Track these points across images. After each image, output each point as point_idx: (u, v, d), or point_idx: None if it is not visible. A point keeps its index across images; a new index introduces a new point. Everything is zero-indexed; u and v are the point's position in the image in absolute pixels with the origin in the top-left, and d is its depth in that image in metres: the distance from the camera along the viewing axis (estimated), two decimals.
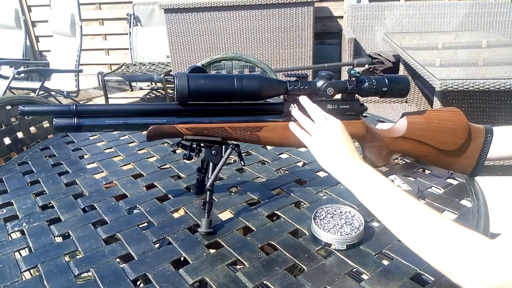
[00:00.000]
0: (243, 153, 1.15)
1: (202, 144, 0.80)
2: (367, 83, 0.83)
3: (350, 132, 0.85)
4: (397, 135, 0.89)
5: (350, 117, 0.85)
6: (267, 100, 0.84)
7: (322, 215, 0.79)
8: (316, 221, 0.77)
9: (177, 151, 1.17)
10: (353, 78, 0.82)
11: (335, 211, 0.80)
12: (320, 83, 0.80)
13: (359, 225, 0.76)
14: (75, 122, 0.73)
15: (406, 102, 2.75)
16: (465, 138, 0.89)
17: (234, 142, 0.81)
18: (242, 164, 0.82)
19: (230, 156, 0.80)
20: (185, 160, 1.08)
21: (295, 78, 0.80)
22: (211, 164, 0.80)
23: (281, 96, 0.83)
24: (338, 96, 0.85)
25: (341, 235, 0.73)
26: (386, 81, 0.84)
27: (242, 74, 0.77)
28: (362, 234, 0.74)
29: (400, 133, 0.89)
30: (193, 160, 0.90)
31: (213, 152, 0.79)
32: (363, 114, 0.88)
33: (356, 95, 0.85)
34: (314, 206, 0.84)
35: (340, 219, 0.77)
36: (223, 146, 0.80)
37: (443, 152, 0.90)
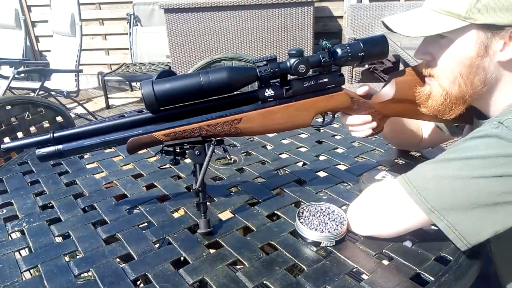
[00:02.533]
0: (243, 153, 1.15)
1: (185, 146, 0.78)
2: (340, 52, 0.78)
3: (334, 105, 0.82)
4: (387, 99, 0.84)
5: (331, 90, 0.82)
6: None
7: (305, 215, 0.78)
8: (301, 221, 0.76)
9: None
10: (325, 49, 0.79)
11: (315, 209, 0.80)
12: (290, 62, 0.77)
13: (342, 220, 0.76)
14: (56, 149, 0.74)
15: None
16: None
17: (217, 138, 0.80)
18: (228, 158, 0.81)
19: (229, 156, 0.80)
20: (185, 160, 1.08)
21: (264, 62, 0.77)
22: (197, 165, 0.79)
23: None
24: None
25: (329, 232, 0.73)
26: (361, 44, 0.79)
27: (208, 69, 0.75)
28: (347, 228, 0.75)
29: (390, 96, 0.84)
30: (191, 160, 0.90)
31: (196, 152, 0.78)
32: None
33: (334, 66, 0.81)
34: None
35: (323, 217, 0.78)
36: (206, 145, 0.79)
37: None
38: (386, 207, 0.71)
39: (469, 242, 0.65)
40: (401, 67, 2.78)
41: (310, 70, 0.79)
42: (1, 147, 0.74)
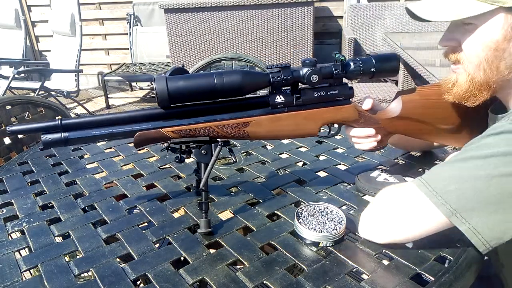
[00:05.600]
0: (243, 153, 1.15)
1: (191, 145, 0.79)
2: (353, 65, 0.80)
3: (341, 117, 0.83)
4: (393, 116, 0.86)
5: (340, 102, 0.82)
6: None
7: (304, 215, 0.79)
8: (300, 221, 0.76)
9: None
10: (338, 62, 0.80)
11: (314, 209, 0.80)
12: (303, 71, 0.77)
13: (340, 220, 0.76)
14: (62, 136, 0.73)
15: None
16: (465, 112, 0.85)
17: (223, 140, 0.80)
18: (234, 160, 0.81)
19: (229, 155, 0.80)
20: (185, 160, 1.08)
21: (277, 69, 0.78)
22: (202, 164, 0.79)
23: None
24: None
25: (327, 232, 0.73)
26: (374, 61, 0.80)
27: (222, 70, 0.76)
28: (345, 228, 0.75)
29: (396, 113, 0.86)
30: (192, 160, 0.90)
31: (202, 152, 0.78)
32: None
33: (344, 79, 0.82)
34: None
35: (321, 216, 0.78)
36: (212, 145, 0.79)
37: (442, 129, 0.87)
38: (402, 211, 0.68)
39: (491, 244, 0.63)
40: (401, 67, 2.78)
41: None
42: (7, 129, 0.73)
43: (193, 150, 0.79)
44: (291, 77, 0.78)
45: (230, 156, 0.81)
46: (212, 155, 0.78)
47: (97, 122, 0.75)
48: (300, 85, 0.81)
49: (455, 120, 0.86)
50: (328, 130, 0.88)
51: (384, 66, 0.81)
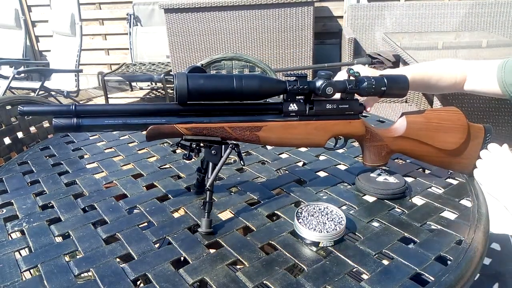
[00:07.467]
0: (243, 153, 1.15)
1: (201, 144, 0.80)
2: (366, 83, 0.83)
3: (349, 131, 0.86)
4: (397, 135, 0.90)
5: (349, 117, 0.85)
6: (267, 100, 0.84)
7: (304, 215, 0.79)
8: (299, 221, 0.76)
9: (177, 151, 1.17)
10: (352, 78, 0.83)
11: (314, 209, 0.80)
12: (319, 83, 0.80)
13: (340, 220, 0.77)
14: (74, 122, 0.73)
15: (406, 102, 2.75)
16: (465, 137, 0.90)
17: (234, 142, 0.81)
18: (242, 164, 0.82)
19: (230, 156, 0.80)
20: (185, 160, 1.08)
21: (294, 78, 0.80)
22: (210, 164, 0.80)
23: (281, 96, 0.83)
24: (338, 96, 0.85)
25: (327, 232, 0.73)
26: (386, 80, 0.84)
27: (241, 74, 0.77)
28: (345, 228, 0.75)
29: (400, 133, 0.89)
30: (192, 160, 0.90)
31: (212, 152, 0.79)
32: (363, 114, 0.88)
33: (356, 94, 0.85)
34: None
35: (321, 216, 0.78)
36: (223, 146, 0.80)
37: (443, 152, 0.91)
38: None
39: None
40: (401, 66, 2.79)
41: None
42: (18, 110, 0.72)
43: (202, 150, 0.80)
44: (307, 87, 0.80)
45: (236, 158, 0.82)
46: (221, 156, 0.79)
47: (111, 111, 0.75)
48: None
49: (452, 144, 0.90)
50: (334, 143, 0.90)
51: (395, 86, 0.85)
